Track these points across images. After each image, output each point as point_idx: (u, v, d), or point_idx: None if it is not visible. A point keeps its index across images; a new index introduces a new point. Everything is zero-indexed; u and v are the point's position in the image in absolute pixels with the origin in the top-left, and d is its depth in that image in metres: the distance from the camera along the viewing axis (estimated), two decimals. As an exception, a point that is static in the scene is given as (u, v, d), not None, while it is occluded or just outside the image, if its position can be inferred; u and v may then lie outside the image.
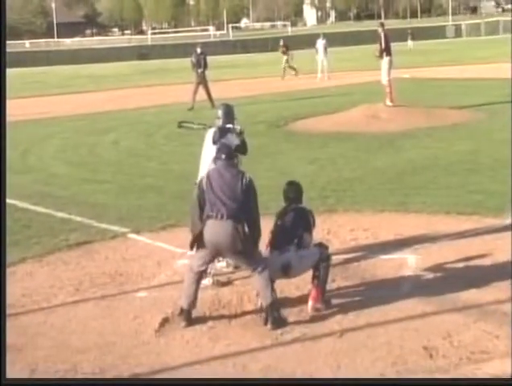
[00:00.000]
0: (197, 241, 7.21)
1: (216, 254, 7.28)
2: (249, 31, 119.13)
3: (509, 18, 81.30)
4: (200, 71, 26.07)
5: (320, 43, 36.77)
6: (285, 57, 37.97)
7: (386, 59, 21.35)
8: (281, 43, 40.04)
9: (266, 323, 7.01)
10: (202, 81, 26.03)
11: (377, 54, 21.62)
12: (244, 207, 7.07)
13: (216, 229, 7.02)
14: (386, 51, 21.28)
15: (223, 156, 7.32)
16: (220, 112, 8.72)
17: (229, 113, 8.71)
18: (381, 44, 21.31)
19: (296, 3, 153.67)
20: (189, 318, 7.18)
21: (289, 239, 7.39)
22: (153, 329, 7.11)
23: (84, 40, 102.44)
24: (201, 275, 7.32)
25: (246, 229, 7.08)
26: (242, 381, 6.05)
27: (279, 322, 7.00)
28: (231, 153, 7.39)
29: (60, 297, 8.12)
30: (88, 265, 9.18)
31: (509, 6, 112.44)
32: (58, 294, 8.22)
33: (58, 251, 9.79)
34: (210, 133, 8.66)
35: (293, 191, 7.68)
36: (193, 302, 7.22)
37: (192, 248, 7.37)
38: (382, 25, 22.02)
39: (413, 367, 6.11)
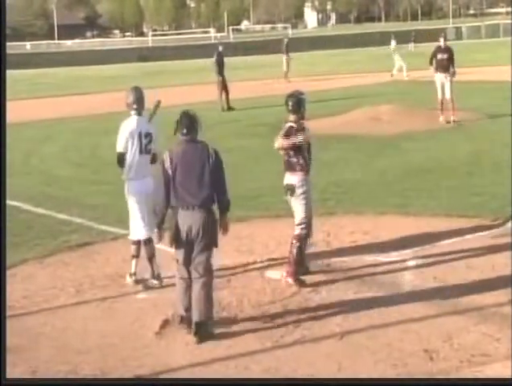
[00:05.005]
0: (175, 237, 7.04)
1: (189, 247, 7.01)
2: (250, 34, 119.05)
3: (509, 21, 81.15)
4: (219, 74, 26.36)
5: None
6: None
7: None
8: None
9: (195, 335, 6.88)
10: (222, 83, 26.28)
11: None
12: (213, 189, 6.95)
13: (188, 219, 6.92)
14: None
15: (184, 130, 7.03)
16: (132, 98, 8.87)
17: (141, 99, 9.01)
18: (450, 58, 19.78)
19: (297, 6, 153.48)
20: (190, 323, 7.04)
21: None
22: (153, 331, 7.12)
23: (85, 42, 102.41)
24: (191, 280, 7.08)
25: (215, 217, 7.04)
26: (244, 381, 6.06)
27: (207, 338, 6.87)
28: (192, 126, 7.04)
29: (61, 299, 8.13)
30: (89, 267, 9.19)
31: (510, 9, 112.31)
32: (59, 296, 8.23)
33: (59, 252, 9.80)
34: None
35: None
36: (189, 308, 7.07)
37: (171, 244, 7.16)
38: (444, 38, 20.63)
39: (413, 370, 6.12)
